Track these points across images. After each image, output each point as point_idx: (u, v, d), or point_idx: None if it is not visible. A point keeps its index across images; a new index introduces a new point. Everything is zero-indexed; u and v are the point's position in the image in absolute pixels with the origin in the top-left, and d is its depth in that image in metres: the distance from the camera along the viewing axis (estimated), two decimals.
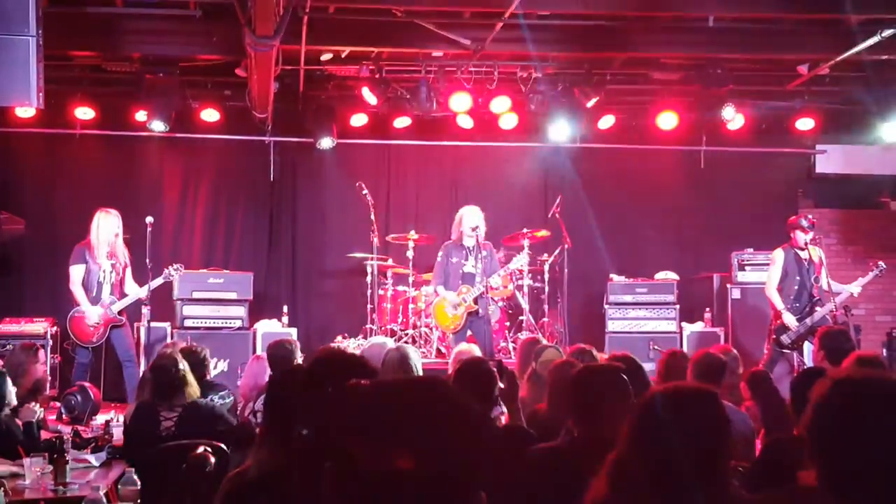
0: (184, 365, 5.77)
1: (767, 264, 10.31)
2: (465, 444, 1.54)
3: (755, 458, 4.67)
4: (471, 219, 9.66)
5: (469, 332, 9.59)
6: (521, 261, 10.13)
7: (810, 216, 9.99)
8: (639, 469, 2.65)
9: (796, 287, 9.51)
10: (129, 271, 9.46)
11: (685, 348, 10.39)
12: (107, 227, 9.25)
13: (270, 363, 6.54)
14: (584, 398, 3.75)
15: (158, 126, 10.21)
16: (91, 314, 9.21)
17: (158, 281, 9.32)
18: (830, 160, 12.20)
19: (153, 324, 9.43)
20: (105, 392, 9.02)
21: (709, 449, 2.68)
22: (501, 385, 4.81)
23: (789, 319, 9.44)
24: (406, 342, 10.45)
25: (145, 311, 9.28)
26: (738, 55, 9.84)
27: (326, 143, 11.01)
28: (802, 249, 9.54)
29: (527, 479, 3.68)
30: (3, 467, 5.21)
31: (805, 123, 11.26)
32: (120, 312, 9.32)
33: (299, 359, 6.65)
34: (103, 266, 9.28)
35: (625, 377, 3.81)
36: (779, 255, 9.71)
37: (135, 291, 9.36)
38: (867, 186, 12.11)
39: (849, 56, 9.24)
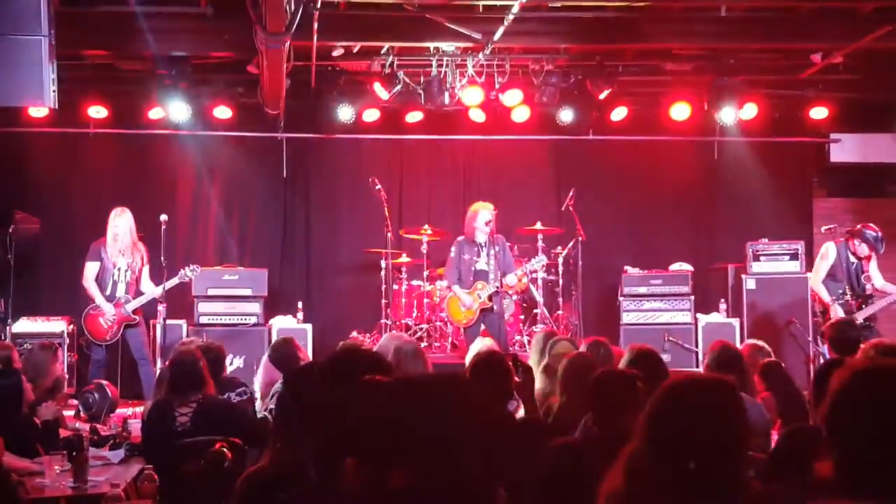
0: (202, 362, 5.77)
1: (782, 254, 10.27)
2: (478, 444, 1.54)
3: (772, 449, 4.66)
4: (484, 214, 9.64)
5: (483, 327, 9.59)
6: (539, 262, 10.14)
7: (879, 232, 9.54)
8: (654, 460, 2.64)
9: (841, 289, 9.40)
10: (146, 270, 9.47)
11: (700, 340, 10.38)
12: (122, 225, 9.28)
13: (275, 363, 6.44)
14: (605, 402, 3.76)
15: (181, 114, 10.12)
16: (106, 309, 9.24)
17: (174, 281, 9.34)
18: (845, 149, 12.13)
19: (168, 321, 9.47)
20: (122, 390, 9.06)
21: (725, 440, 2.67)
22: (517, 379, 4.82)
23: (838, 312, 9.26)
24: (421, 337, 10.49)
25: (161, 308, 9.31)
26: (750, 45, 9.79)
27: (346, 113, 10.67)
28: (855, 256, 9.42)
29: (544, 472, 3.68)
30: (23, 465, 5.24)
31: (819, 112, 11.22)
32: (135, 311, 9.35)
33: (308, 353, 6.58)
34: (118, 264, 9.31)
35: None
36: (831, 249, 9.56)
37: (150, 290, 9.39)
38: (882, 175, 12.03)
39: (862, 44, 9.18)
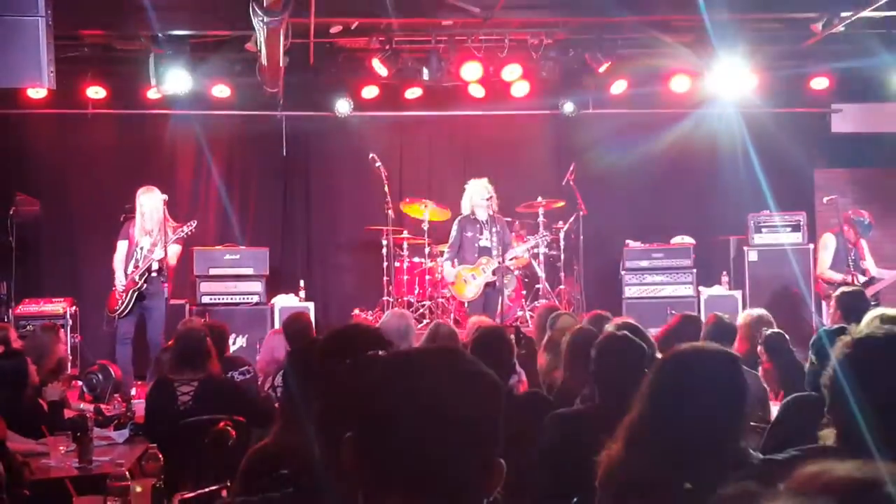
0: (208, 339, 5.78)
1: (784, 226, 10.30)
2: (477, 414, 1.54)
3: (769, 418, 4.67)
4: (481, 190, 9.74)
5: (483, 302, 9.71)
6: (541, 238, 10.26)
7: (868, 215, 9.93)
8: (655, 429, 2.65)
9: (844, 274, 9.51)
10: (174, 249, 9.29)
11: (702, 312, 10.38)
12: (146, 203, 9.14)
13: (288, 338, 6.51)
14: (605, 366, 3.75)
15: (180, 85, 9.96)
16: (118, 283, 9.19)
17: (174, 236, 9.17)
18: (846, 119, 12.08)
19: (170, 302, 9.45)
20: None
21: (725, 410, 2.67)
22: (521, 351, 4.82)
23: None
24: (423, 313, 10.51)
25: (164, 289, 9.25)
26: (750, 15, 9.72)
27: (343, 106, 10.80)
28: (851, 243, 9.55)
29: (546, 444, 3.69)
30: (28, 446, 5.26)
31: (820, 83, 11.16)
32: (152, 289, 9.10)
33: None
34: (141, 243, 9.20)
35: (645, 346, 3.81)
36: (830, 240, 9.78)
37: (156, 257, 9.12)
38: (884, 145, 11.98)
39: (864, 13, 9.12)
